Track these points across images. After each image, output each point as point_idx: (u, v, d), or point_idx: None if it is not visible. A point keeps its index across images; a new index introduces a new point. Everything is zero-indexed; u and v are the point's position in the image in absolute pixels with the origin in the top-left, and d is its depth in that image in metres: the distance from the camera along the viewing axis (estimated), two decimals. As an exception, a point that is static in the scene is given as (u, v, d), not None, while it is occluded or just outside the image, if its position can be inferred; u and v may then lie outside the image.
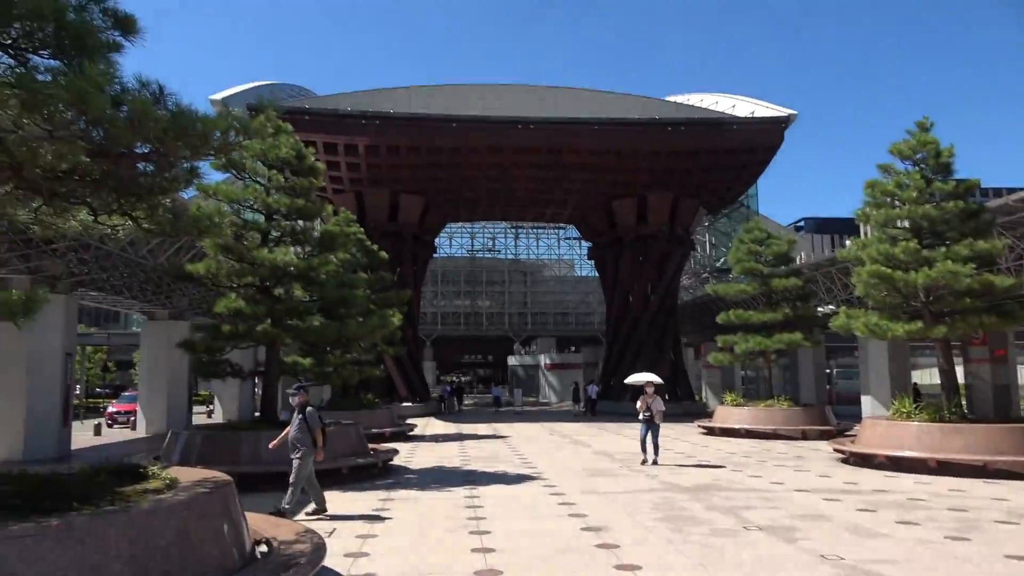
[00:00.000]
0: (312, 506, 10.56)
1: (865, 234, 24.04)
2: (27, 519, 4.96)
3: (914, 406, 16.58)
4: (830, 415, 24.56)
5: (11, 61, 5.54)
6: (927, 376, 38.29)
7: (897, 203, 17.23)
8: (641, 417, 16.20)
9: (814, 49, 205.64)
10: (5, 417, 18.23)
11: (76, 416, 28.44)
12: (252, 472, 12.98)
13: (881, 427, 16.06)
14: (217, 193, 14.18)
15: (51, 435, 18.56)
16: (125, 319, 63.38)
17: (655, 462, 15.88)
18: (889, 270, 15.98)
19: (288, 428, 10.77)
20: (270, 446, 11.03)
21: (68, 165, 4.92)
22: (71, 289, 19.89)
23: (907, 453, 14.75)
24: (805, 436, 22.46)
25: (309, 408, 10.61)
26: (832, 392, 39.57)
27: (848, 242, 20.51)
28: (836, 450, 17.14)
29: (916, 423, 15.39)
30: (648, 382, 17.09)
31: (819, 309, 28.09)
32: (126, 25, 5.53)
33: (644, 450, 16.19)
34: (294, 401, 10.74)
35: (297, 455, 10.29)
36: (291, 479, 10.26)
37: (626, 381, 20.66)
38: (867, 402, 26.74)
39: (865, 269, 16.36)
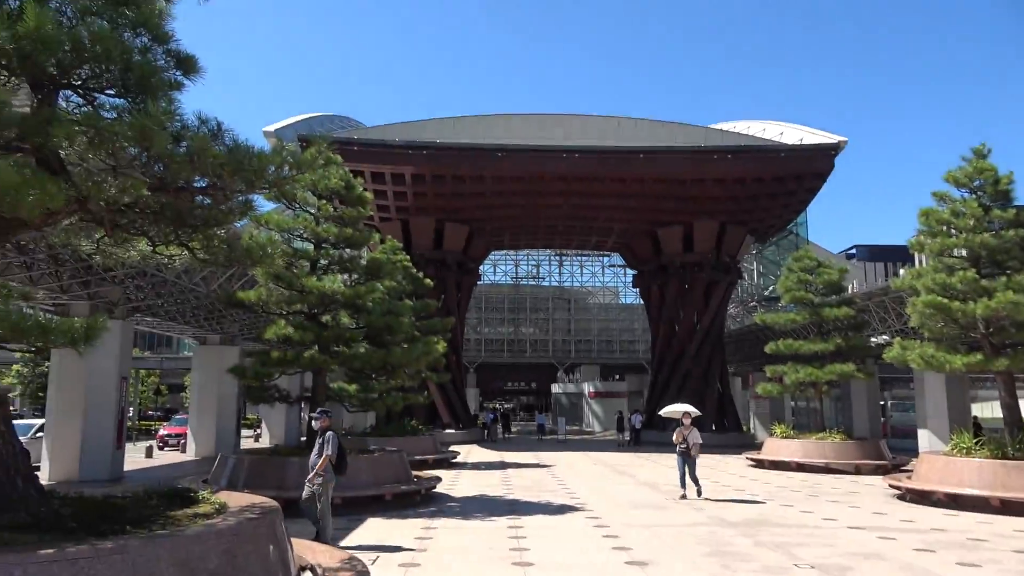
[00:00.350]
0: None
1: (920, 263, 23.44)
2: (83, 541, 5.11)
3: (974, 441, 15.95)
4: (885, 449, 23.76)
5: (80, 100, 5.84)
6: (988, 409, 36.82)
7: (953, 231, 16.78)
8: (678, 449, 15.68)
9: (865, 74, 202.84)
10: (64, 438, 18.80)
11: (129, 438, 29.17)
12: (298, 497, 13.12)
13: (939, 463, 15.48)
14: (269, 222, 14.55)
15: (105, 457, 19.05)
16: (178, 344, 65.07)
17: (698, 494, 15.38)
18: (946, 300, 15.52)
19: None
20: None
21: (130, 198, 5.12)
22: (128, 315, 20.53)
23: (967, 491, 14.17)
24: (858, 471, 21.76)
25: (329, 432, 10.50)
26: (887, 425, 38.28)
27: (902, 271, 20.00)
28: (891, 486, 16.56)
29: (977, 459, 14.80)
30: (685, 413, 16.44)
31: (872, 339, 27.35)
32: (187, 65, 5.78)
33: (683, 484, 15.63)
34: (316, 425, 10.75)
35: (316, 479, 10.22)
36: (318, 508, 10.15)
37: (661, 412, 19.81)
38: (924, 436, 25.83)
39: (920, 299, 15.92)
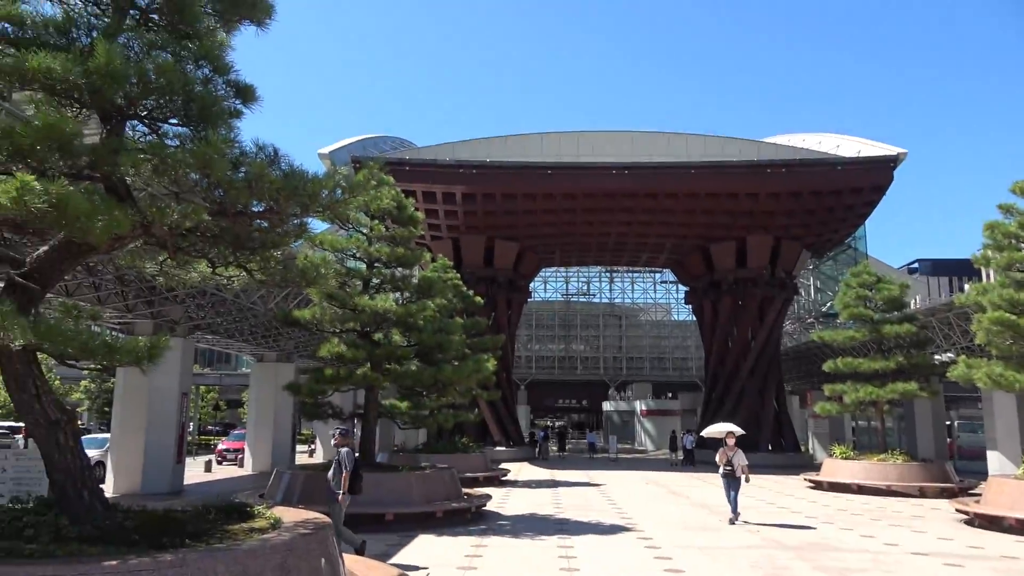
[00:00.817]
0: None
1: (986, 278, 22.60)
2: (144, 553, 5.29)
3: (1048, 464, 15.23)
4: (951, 471, 22.82)
5: (145, 129, 6.13)
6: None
7: (1021, 245, 16.17)
8: (721, 472, 15.01)
9: (926, 83, 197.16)
10: (127, 452, 19.48)
11: (189, 453, 30.01)
12: (350, 513, 13.29)
13: (1010, 486, 14.81)
14: (323, 243, 14.90)
15: (166, 471, 19.64)
16: (236, 360, 66.78)
17: (734, 519, 14.67)
18: (1014, 316, 14.94)
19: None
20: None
21: (192, 223, 5.34)
22: (188, 333, 21.22)
23: (1041, 517, 13.51)
24: (923, 494, 20.95)
25: (344, 450, 10.54)
26: (953, 446, 36.76)
27: (967, 286, 19.30)
28: (959, 510, 15.90)
29: (1051, 484, 14.11)
30: (729, 433, 15.69)
31: (936, 357, 26.39)
32: (246, 94, 6.02)
33: (734, 508, 14.89)
34: (333, 443, 10.80)
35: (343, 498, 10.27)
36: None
37: (703, 433, 19.44)
38: (994, 458, 24.74)
39: (987, 316, 15.36)
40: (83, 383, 49.89)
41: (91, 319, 6.00)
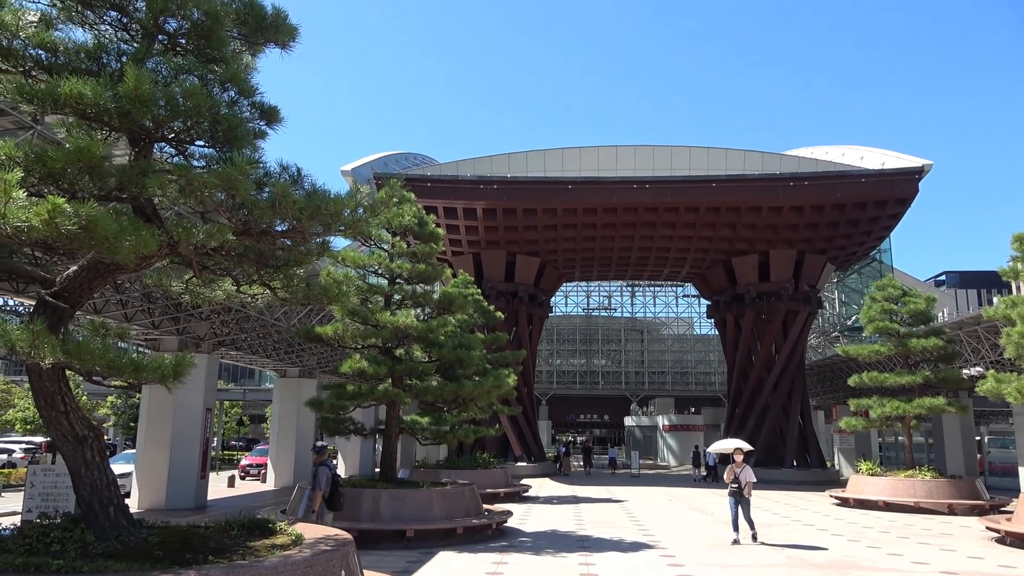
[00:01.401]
0: None
1: (1016, 290, 22.23)
2: (168, 570, 5.36)
3: (1082, 482, 14.87)
4: (982, 488, 22.35)
5: (172, 151, 6.27)
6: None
7: (1050, 257, 15.89)
8: (729, 490, 14.47)
9: (951, 94, 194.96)
10: (152, 468, 19.67)
11: (212, 468, 30.26)
12: (371, 529, 13.33)
13: (1043, 505, 14.47)
14: (345, 259, 15.04)
15: (190, 486, 19.81)
16: (259, 376, 67.34)
17: (753, 538, 14.19)
18: (1044, 331, 14.66)
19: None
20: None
21: (217, 243, 5.44)
22: (213, 349, 21.46)
23: (1075, 536, 13.18)
24: (952, 511, 20.53)
25: (320, 467, 10.48)
26: (984, 462, 36.03)
27: (996, 299, 18.99)
28: (989, 528, 15.55)
29: (1085, 502, 13.77)
30: (737, 449, 15.11)
31: (965, 371, 25.94)
32: (270, 115, 6.15)
33: (735, 528, 14.34)
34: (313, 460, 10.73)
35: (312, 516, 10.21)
36: None
37: (710, 449, 18.72)
38: (1025, 475, 24.21)
39: (1016, 329, 15.12)
40: (109, 399, 50.55)
41: (118, 337, 6.10)
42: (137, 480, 19.96)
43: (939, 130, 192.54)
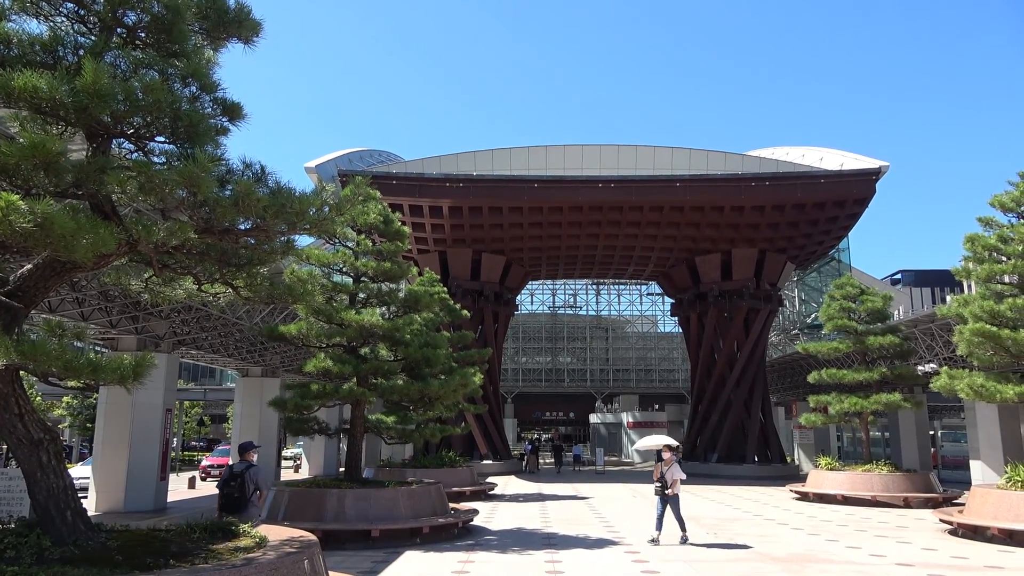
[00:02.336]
0: None
1: (967, 289, 22.88)
2: (128, 574, 5.25)
3: (1030, 474, 15.36)
4: (935, 481, 23.00)
5: (131, 146, 6.13)
6: (1045, 440, 35.40)
7: (1002, 257, 16.39)
8: (655, 488, 13.62)
9: (908, 97, 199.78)
10: (110, 470, 19.25)
11: (172, 469, 29.68)
12: (336, 529, 13.23)
13: (993, 496, 14.94)
14: (310, 258, 14.86)
15: (149, 488, 19.42)
16: (221, 375, 66.27)
17: (683, 540, 13.33)
18: (995, 328, 15.12)
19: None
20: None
21: (178, 241, 5.33)
22: (173, 348, 21.05)
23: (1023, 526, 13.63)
24: (907, 504, 21.09)
25: (252, 467, 9.92)
26: (937, 455, 37.05)
27: (949, 298, 19.53)
28: (943, 520, 16.02)
29: (1033, 494, 14.24)
30: (664, 446, 14.22)
31: (919, 368, 26.63)
32: (233, 111, 6.05)
33: (657, 527, 13.46)
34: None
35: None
36: None
37: (635, 447, 18.39)
38: (977, 468, 24.95)
39: (968, 327, 15.54)
40: (65, 399, 49.26)
41: (75, 337, 5.94)
42: (95, 482, 19.50)
43: (895, 132, 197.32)
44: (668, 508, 13.46)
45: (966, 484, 23.18)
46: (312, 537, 7.30)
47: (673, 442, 15.00)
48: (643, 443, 16.73)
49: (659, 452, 14.13)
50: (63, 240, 4.70)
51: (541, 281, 60.95)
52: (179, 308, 19.10)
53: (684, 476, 13.84)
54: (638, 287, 64.58)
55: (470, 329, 30.74)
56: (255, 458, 10.36)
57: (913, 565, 11.46)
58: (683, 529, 13.52)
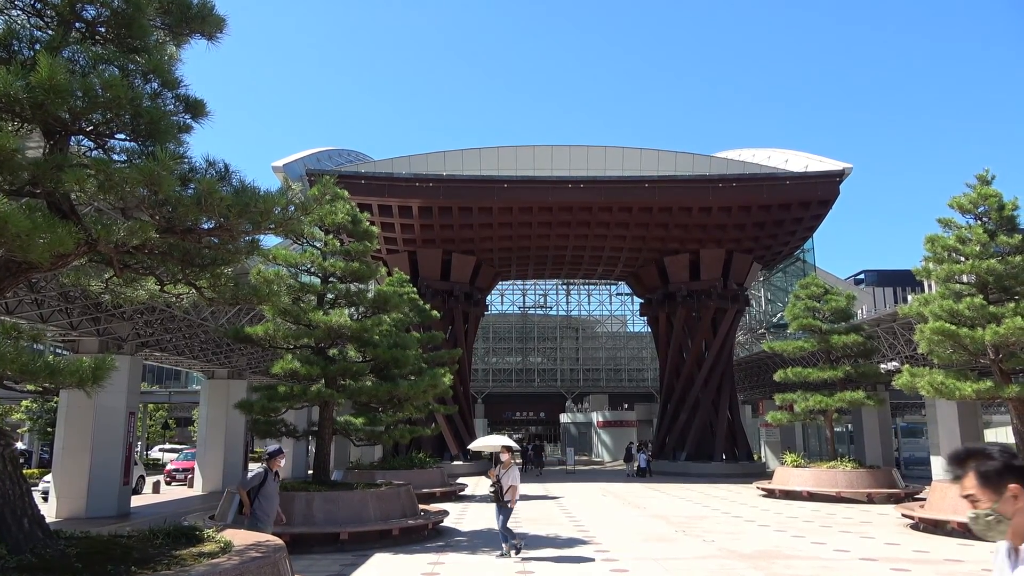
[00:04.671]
0: None
1: (928, 289, 23.38)
2: (89, 582, 5.12)
3: (988, 469, 15.73)
4: (897, 477, 23.47)
5: (91, 144, 5.98)
6: (1003, 435, 36.36)
7: (960, 258, 16.78)
8: (491, 491, 12.22)
9: (870, 100, 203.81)
10: (71, 475, 18.79)
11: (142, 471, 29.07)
12: (304, 533, 13.07)
13: (952, 491, 15.23)
14: (276, 258, 14.65)
15: (112, 493, 19.02)
16: (186, 377, 65.11)
17: (516, 550, 12.04)
18: (954, 327, 15.48)
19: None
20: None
21: (139, 240, 5.22)
22: (136, 350, 20.64)
23: (982, 521, 13.93)
24: (871, 500, 21.49)
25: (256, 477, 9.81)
26: (900, 452, 37.85)
27: (910, 297, 19.94)
28: (905, 515, 16.35)
29: (990, 488, 14.56)
30: (503, 447, 12.73)
31: (882, 366, 27.17)
32: (196, 109, 5.93)
33: (504, 538, 12.11)
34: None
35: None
36: None
37: (470, 447, 15.63)
38: (937, 463, 25.54)
39: (928, 326, 15.88)
40: (24, 403, 48.01)
41: (32, 339, 5.78)
42: (55, 488, 19.04)
43: (858, 135, 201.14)
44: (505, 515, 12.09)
45: (928, 479, 23.68)
46: (279, 541, 7.19)
47: (512, 443, 13.30)
48: (479, 443, 14.84)
49: (496, 455, 12.76)
50: (18, 240, 4.57)
51: (511, 281, 61.00)
52: (142, 309, 18.73)
53: (519, 483, 12.28)
54: (608, 287, 64.93)
55: (440, 329, 30.60)
56: (282, 464, 10.12)
57: (876, 560, 11.68)
58: (505, 542, 12.05)
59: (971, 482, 2.30)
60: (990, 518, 2.25)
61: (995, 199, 16.70)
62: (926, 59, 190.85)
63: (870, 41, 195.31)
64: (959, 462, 2.35)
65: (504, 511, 12.08)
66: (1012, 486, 2.22)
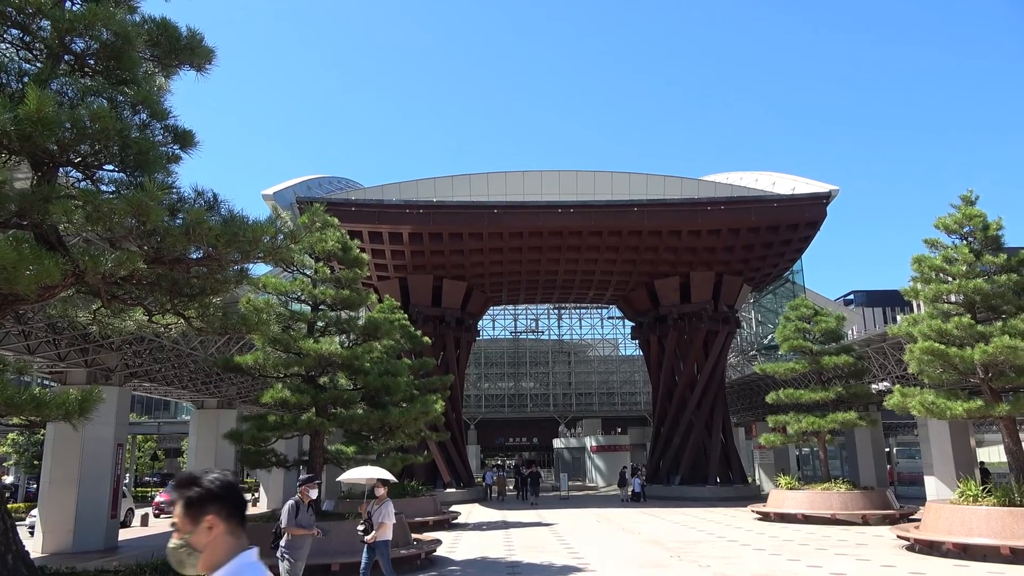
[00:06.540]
0: None
1: (916, 309, 23.52)
2: (74, 620, 5.03)
3: (981, 488, 15.75)
4: (892, 498, 23.40)
5: (79, 175, 5.98)
6: (996, 454, 36.34)
7: (948, 277, 16.91)
8: (360, 529, 11.10)
9: (857, 122, 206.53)
10: (58, 509, 18.49)
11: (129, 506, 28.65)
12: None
13: (947, 511, 15.26)
14: (266, 286, 14.63)
15: (99, 527, 18.72)
16: (175, 407, 64.45)
17: None
18: (943, 346, 15.54)
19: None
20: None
21: (127, 271, 5.20)
22: (124, 381, 20.45)
23: (976, 540, 13.93)
24: (866, 521, 21.40)
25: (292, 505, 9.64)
26: (893, 472, 37.76)
27: (900, 317, 20.03)
28: (900, 536, 16.29)
29: (984, 507, 14.58)
30: (379, 480, 11.60)
31: (873, 386, 27.20)
32: (184, 139, 5.95)
33: None
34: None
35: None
36: None
37: (340, 479, 13.90)
38: (931, 483, 25.48)
39: (918, 346, 15.94)
40: (11, 436, 47.36)
41: (18, 372, 5.73)
42: (41, 522, 18.72)
43: (844, 158, 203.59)
44: (377, 556, 10.95)
45: (922, 499, 23.62)
46: (269, 574, 7.08)
47: (388, 476, 12.27)
48: (350, 475, 13.15)
49: (372, 488, 11.80)
50: (4, 271, 4.55)
51: (503, 306, 60.96)
52: (130, 340, 18.59)
53: (394, 520, 11.29)
54: (599, 311, 64.98)
55: (431, 356, 30.52)
56: (313, 495, 9.85)
57: (873, 582, 11.60)
58: None
59: (178, 510, 2.13)
60: (182, 549, 2.10)
61: (980, 219, 16.88)
62: (911, 80, 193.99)
63: (854, 62, 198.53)
64: (178, 488, 2.16)
65: (380, 547, 10.71)
66: (209, 517, 2.09)
